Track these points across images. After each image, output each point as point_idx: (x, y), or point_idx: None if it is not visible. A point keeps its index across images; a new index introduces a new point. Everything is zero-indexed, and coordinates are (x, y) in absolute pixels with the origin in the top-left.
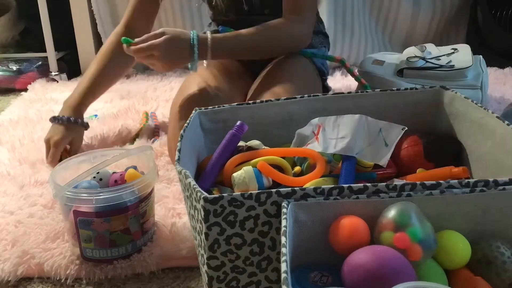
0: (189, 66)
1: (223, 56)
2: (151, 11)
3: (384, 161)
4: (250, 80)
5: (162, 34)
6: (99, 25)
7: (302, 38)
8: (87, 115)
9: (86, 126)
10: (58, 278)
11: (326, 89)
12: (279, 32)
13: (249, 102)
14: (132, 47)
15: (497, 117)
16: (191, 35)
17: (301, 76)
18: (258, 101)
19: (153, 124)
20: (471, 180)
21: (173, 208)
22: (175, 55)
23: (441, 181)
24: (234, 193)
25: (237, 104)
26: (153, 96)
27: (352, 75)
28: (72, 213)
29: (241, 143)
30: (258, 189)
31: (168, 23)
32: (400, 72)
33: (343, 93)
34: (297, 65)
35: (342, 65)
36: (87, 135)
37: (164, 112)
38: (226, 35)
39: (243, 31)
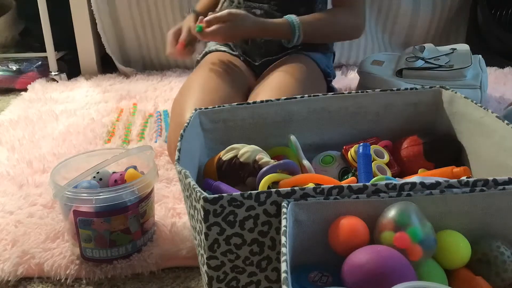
0: (285, 43)
1: (305, 38)
2: None
3: None
4: (251, 80)
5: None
6: (99, 25)
7: (357, 29)
8: None
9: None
10: (58, 278)
11: (331, 90)
12: (339, 20)
13: (249, 102)
14: (207, 18)
15: (496, 116)
16: (290, 19)
17: (305, 77)
18: (258, 101)
19: (152, 124)
20: (471, 180)
21: (173, 208)
22: (242, 28)
23: (440, 181)
24: (233, 193)
25: (237, 104)
26: (153, 96)
27: None
28: (72, 213)
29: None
30: None
31: (168, 22)
32: (399, 73)
33: (343, 93)
34: (300, 65)
35: None
36: (86, 136)
37: (163, 112)
38: (306, 19)
39: (314, 16)
